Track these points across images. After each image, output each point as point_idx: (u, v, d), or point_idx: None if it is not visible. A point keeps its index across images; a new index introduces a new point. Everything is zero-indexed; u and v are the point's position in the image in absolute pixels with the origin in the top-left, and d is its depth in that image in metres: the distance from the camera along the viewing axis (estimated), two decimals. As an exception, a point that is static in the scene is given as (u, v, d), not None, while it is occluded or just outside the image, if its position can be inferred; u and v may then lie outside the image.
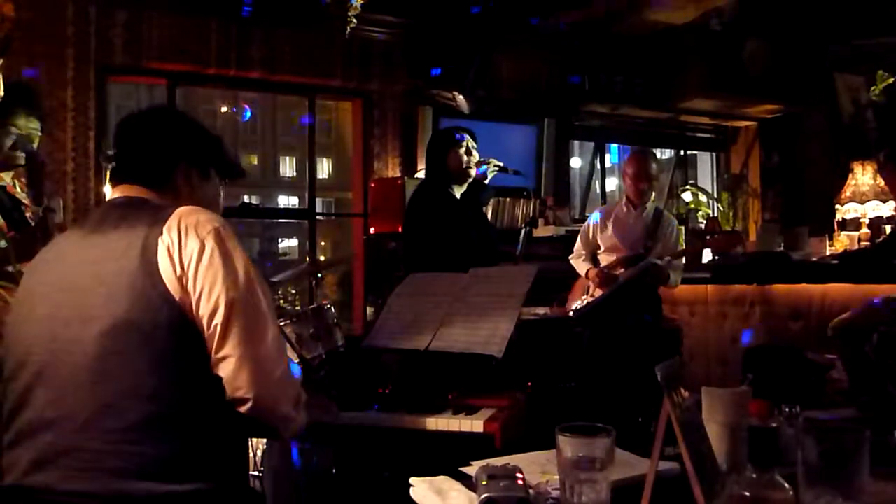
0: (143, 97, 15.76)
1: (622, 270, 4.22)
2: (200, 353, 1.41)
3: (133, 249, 1.42)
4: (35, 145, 2.64)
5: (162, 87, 5.08)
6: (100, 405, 1.35)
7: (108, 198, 1.67)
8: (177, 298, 1.39)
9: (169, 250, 1.41)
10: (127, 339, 1.37)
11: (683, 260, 4.42)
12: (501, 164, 3.65)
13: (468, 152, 3.51)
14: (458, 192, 3.52)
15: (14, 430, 1.42)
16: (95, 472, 1.33)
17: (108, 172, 1.70)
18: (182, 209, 1.48)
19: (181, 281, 1.40)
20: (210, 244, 1.43)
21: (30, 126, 2.61)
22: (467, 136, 3.54)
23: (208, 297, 1.40)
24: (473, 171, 3.52)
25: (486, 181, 3.59)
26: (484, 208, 3.84)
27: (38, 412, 1.40)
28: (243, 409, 1.42)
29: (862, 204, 5.69)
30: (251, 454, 3.01)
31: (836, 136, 6.43)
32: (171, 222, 1.44)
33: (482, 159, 3.60)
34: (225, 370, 1.41)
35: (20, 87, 2.71)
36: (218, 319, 1.40)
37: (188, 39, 4.81)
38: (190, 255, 1.41)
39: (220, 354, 1.41)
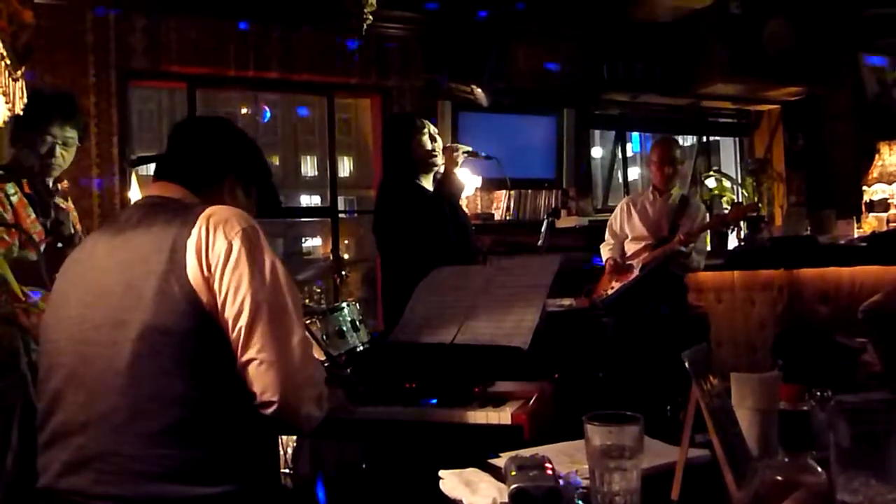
0: (163, 101, 15.92)
1: (645, 255, 4.23)
2: (227, 356, 1.41)
3: (162, 252, 1.41)
4: (72, 153, 2.67)
5: (182, 90, 5.13)
6: (132, 410, 1.35)
7: (136, 197, 1.68)
8: (203, 301, 1.39)
9: (197, 250, 1.41)
10: (157, 344, 1.36)
11: (708, 245, 4.40)
12: (470, 148, 3.32)
13: (432, 138, 3.21)
14: (426, 183, 3.22)
15: (48, 431, 1.44)
16: (127, 476, 1.34)
17: (154, 170, 1.70)
18: (211, 208, 1.47)
19: (208, 282, 1.40)
20: (237, 245, 1.42)
21: (66, 134, 2.62)
22: (427, 122, 3.26)
23: (234, 299, 1.40)
24: (440, 159, 3.21)
25: (457, 168, 3.24)
26: (460, 200, 3.46)
27: (70, 415, 1.40)
28: (268, 411, 1.42)
29: (890, 185, 5.61)
30: (281, 453, 3.04)
31: (861, 116, 6.32)
32: (200, 222, 1.43)
33: (450, 146, 3.31)
34: (251, 373, 1.41)
35: (57, 96, 2.71)
36: (243, 322, 1.40)
37: (207, 42, 4.85)
38: (217, 256, 1.40)
39: (246, 357, 1.41)
